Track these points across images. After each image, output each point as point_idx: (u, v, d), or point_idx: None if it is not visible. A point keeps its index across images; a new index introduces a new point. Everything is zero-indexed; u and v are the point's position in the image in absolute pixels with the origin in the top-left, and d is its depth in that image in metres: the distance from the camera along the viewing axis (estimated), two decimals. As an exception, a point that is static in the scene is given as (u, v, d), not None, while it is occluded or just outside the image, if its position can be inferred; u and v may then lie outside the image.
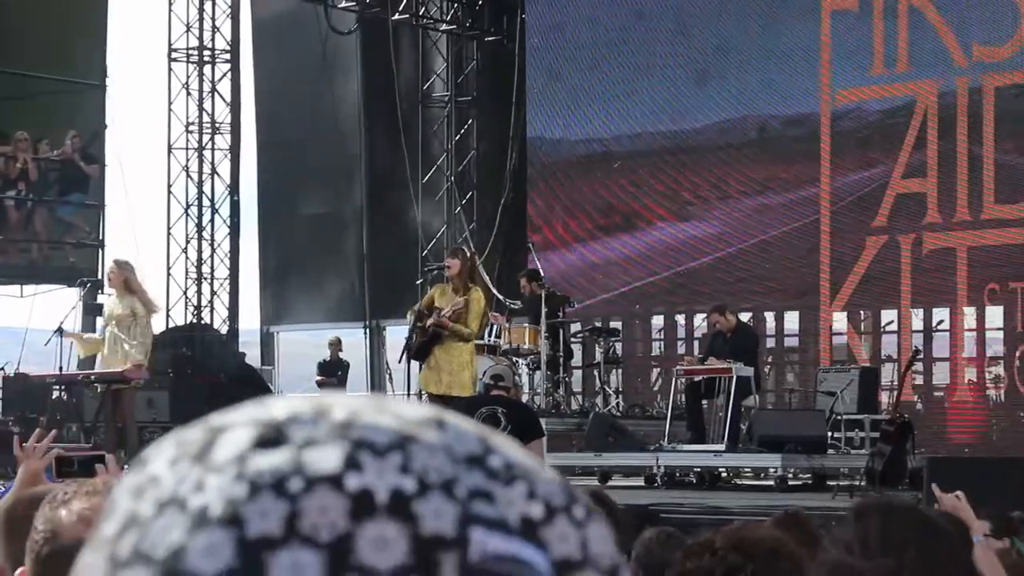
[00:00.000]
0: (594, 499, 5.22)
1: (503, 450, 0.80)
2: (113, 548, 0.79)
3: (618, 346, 19.87)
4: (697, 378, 16.64)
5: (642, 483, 15.77)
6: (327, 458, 0.77)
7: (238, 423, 0.80)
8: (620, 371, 19.70)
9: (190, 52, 23.74)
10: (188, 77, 23.79)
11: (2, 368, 19.32)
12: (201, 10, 23.69)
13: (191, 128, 23.81)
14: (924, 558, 3.18)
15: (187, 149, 23.85)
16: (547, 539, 0.78)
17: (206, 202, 23.90)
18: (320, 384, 23.38)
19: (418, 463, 0.78)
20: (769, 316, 20.29)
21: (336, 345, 23.71)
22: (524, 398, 16.58)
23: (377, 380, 24.58)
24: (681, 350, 20.59)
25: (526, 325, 17.58)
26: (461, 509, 0.77)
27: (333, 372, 23.43)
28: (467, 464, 0.79)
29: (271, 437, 0.79)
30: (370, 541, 0.75)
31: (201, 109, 23.78)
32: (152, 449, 0.82)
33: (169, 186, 23.92)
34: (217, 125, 23.84)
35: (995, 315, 18.43)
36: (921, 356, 17.61)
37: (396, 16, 23.65)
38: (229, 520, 0.76)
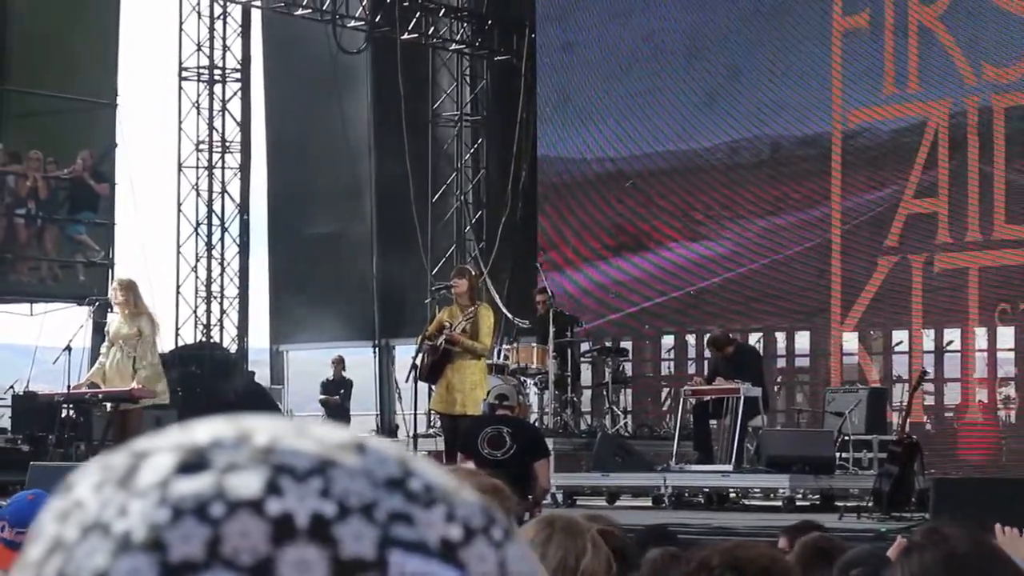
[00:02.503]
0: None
1: (423, 473, 0.82)
2: (38, 572, 0.79)
3: (627, 366, 19.88)
4: (706, 398, 16.64)
5: (650, 503, 15.76)
6: (248, 483, 0.78)
7: (161, 448, 0.81)
8: (629, 391, 19.67)
9: (200, 71, 23.83)
10: (198, 96, 23.89)
11: (11, 386, 19.36)
12: (212, 29, 23.79)
13: (201, 147, 23.89)
14: None
15: (197, 168, 23.93)
16: (466, 560, 0.79)
17: (216, 221, 23.97)
18: (323, 403, 23.43)
19: (338, 487, 0.79)
20: (780, 336, 20.29)
21: (339, 364, 23.73)
22: (532, 418, 16.58)
23: (386, 399, 24.62)
24: (691, 370, 20.57)
25: (534, 345, 17.58)
26: (381, 532, 0.78)
27: (336, 390, 23.47)
28: (387, 487, 0.80)
29: (193, 462, 0.80)
30: (291, 565, 0.76)
31: (211, 128, 23.86)
32: (78, 473, 0.82)
33: (179, 205, 24.00)
34: (227, 144, 23.91)
35: (1006, 336, 18.42)
36: (929, 376, 17.59)
37: (405, 36, 23.70)
38: (152, 545, 0.77)
